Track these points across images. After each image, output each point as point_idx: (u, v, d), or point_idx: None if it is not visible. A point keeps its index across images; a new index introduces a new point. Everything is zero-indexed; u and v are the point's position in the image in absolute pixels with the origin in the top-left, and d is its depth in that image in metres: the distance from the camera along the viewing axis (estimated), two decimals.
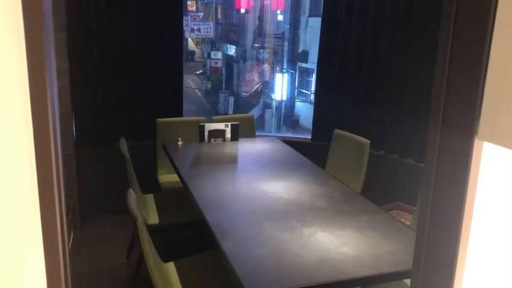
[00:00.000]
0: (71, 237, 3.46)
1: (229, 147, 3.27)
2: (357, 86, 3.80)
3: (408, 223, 3.04)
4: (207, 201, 2.30)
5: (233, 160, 3.04)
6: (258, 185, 2.54)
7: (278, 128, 7.55)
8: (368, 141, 3.09)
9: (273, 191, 2.45)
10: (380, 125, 3.71)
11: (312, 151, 3.61)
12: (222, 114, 8.14)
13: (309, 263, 1.76)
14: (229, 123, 3.40)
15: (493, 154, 0.85)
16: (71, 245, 3.36)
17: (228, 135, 3.39)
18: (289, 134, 4.32)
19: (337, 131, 3.41)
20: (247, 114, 3.98)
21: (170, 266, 2.30)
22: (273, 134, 4.29)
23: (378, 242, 1.95)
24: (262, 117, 7.71)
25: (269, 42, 7.84)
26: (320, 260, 1.78)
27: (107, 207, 3.81)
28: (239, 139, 3.43)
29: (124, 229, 3.24)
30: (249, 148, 3.31)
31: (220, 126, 3.38)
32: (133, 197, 2.10)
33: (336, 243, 1.91)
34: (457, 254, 0.89)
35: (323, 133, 3.95)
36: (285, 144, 3.44)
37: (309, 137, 4.13)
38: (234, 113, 7.86)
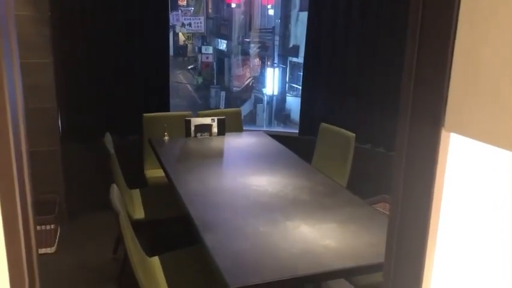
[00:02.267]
0: (58, 233, 3.45)
1: (215, 142, 3.28)
2: (343, 80, 3.82)
3: None
4: (191, 196, 2.30)
5: (219, 155, 3.05)
6: (243, 179, 2.54)
7: (270, 123, 7.56)
8: (353, 134, 3.10)
9: (258, 185, 2.46)
10: (366, 118, 3.73)
11: (299, 145, 3.62)
12: (213, 109, 8.13)
13: (291, 256, 1.77)
14: (215, 118, 3.40)
15: (460, 145, 0.87)
16: (58, 241, 3.35)
17: (215, 129, 3.40)
18: (279, 129, 4.32)
19: (323, 124, 3.42)
20: (234, 109, 3.98)
21: (155, 261, 2.30)
22: (264, 129, 4.30)
23: (360, 234, 1.96)
24: (253, 112, 7.71)
25: (260, 37, 7.83)
26: (302, 252, 1.80)
27: (94, 202, 3.79)
28: (226, 134, 3.43)
29: (112, 224, 3.21)
30: (236, 143, 3.32)
31: (207, 120, 3.38)
32: (115, 191, 2.09)
33: (318, 236, 1.93)
34: (426, 243, 0.91)
35: (310, 127, 3.97)
36: (271, 139, 3.45)
37: (297, 131, 4.15)
38: (225, 107, 7.83)
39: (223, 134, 3.42)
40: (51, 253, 3.20)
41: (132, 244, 2.03)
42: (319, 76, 3.90)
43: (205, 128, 3.37)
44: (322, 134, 3.41)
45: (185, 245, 2.47)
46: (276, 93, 7.62)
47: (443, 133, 0.85)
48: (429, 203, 0.88)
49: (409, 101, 0.90)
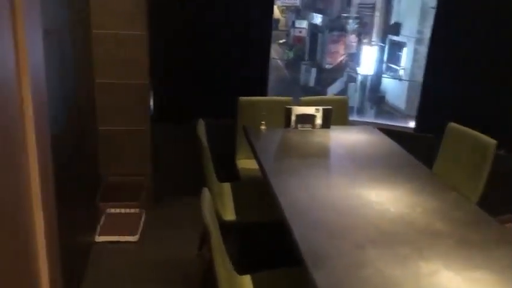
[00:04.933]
0: (142, 219, 3.24)
1: (319, 136, 2.82)
2: (482, 67, 3.12)
3: None
4: (293, 208, 1.89)
5: (324, 153, 2.59)
6: (356, 191, 2.07)
7: (361, 103, 7.09)
8: (495, 141, 2.48)
9: (376, 201, 1.98)
10: (505, 118, 3.04)
11: (416, 144, 3.04)
12: (303, 86, 7.78)
13: None
14: (320, 108, 2.93)
15: None
16: (142, 227, 3.15)
17: (319, 121, 2.93)
18: (389, 121, 3.74)
19: (452, 124, 2.81)
20: (340, 97, 3.48)
21: (246, 281, 1.94)
22: (370, 120, 3.73)
23: None
24: (344, 91, 7.26)
25: (359, 12, 7.30)
26: None
27: (182, 188, 3.56)
28: (331, 127, 2.96)
29: (198, 214, 2.96)
30: (343, 139, 2.83)
31: (310, 110, 2.92)
32: (207, 199, 1.74)
33: None
34: None
35: (430, 124, 3.36)
36: (385, 136, 2.91)
37: (404, 125, 3.54)
38: (315, 85, 7.47)
39: (328, 127, 2.95)
40: (134, 242, 3.00)
41: (221, 260, 1.67)
42: (448, 59, 3.23)
43: (308, 119, 2.92)
44: (449, 135, 2.80)
45: (284, 261, 2.08)
46: (371, 73, 7.12)
47: None
48: None
49: None
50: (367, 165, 2.42)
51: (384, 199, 2.01)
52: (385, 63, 7.37)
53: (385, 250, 1.62)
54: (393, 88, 7.51)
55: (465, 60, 3.16)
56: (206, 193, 1.76)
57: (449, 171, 2.72)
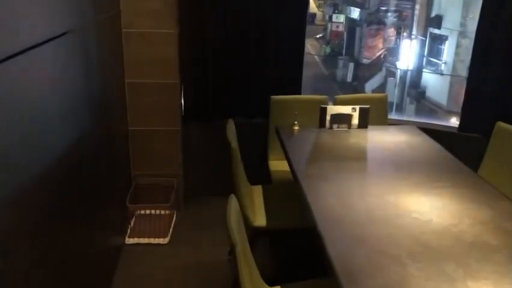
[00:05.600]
0: (173, 220, 3.19)
1: (356, 138, 2.66)
2: None
3: None
4: (326, 218, 1.75)
5: (361, 157, 2.43)
6: (395, 199, 1.92)
7: (400, 99, 6.87)
8: None
9: (417, 211, 1.82)
10: None
11: (460, 145, 2.84)
12: (340, 82, 7.62)
13: None
14: (357, 107, 2.77)
15: None
16: (173, 229, 3.09)
17: (355, 121, 2.77)
18: (431, 120, 3.53)
19: (501, 124, 2.59)
20: (379, 94, 3.29)
21: None
22: (410, 119, 3.53)
23: None
24: (383, 86, 7.07)
25: (398, 5, 7.07)
26: None
27: (212, 189, 3.49)
28: (369, 127, 2.79)
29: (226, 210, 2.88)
30: (382, 140, 2.66)
31: (347, 109, 2.76)
32: (233, 205, 1.63)
33: None
34: None
35: (476, 123, 3.13)
36: (427, 137, 2.72)
37: (445, 122, 3.32)
38: (352, 80, 7.29)
39: (366, 127, 2.79)
40: (164, 244, 2.94)
41: (247, 274, 1.57)
42: (496, 51, 2.98)
43: (344, 119, 2.77)
44: (498, 136, 2.59)
45: (315, 270, 1.96)
46: (411, 67, 6.86)
47: None
48: None
49: None
50: (408, 169, 2.25)
51: (427, 208, 1.84)
52: (426, 57, 7.11)
53: (427, 266, 1.46)
54: (434, 83, 7.26)
55: (504, 53, 2.91)
56: (233, 201, 1.66)
57: (496, 175, 2.51)
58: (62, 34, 1.75)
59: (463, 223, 1.73)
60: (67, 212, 1.78)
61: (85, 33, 2.07)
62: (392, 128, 2.88)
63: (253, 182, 2.71)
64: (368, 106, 2.78)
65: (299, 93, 3.30)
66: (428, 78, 7.32)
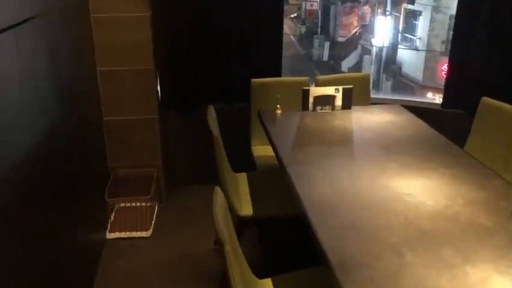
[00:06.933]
0: (155, 212, 3.08)
1: (340, 119, 2.59)
2: None
3: None
4: (316, 204, 1.68)
5: (348, 139, 2.36)
6: (386, 182, 1.86)
7: (377, 76, 6.86)
8: None
9: (410, 193, 1.76)
10: None
11: (444, 122, 2.80)
12: (316, 61, 7.56)
13: None
14: (340, 88, 2.69)
15: None
16: (155, 222, 2.99)
17: (339, 102, 2.70)
18: (412, 97, 3.49)
19: (486, 99, 2.55)
20: (360, 74, 3.23)
21: (267, 285, 1.76)
22: (390, 97, 3.48)
23: None
24: (359, 64, 7.01)
25: None
26: None
27: (195, 178, 3.39)
28: (352, 107, 2.72)
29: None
30: (367, 121, 2.60)
31: (330, 91, 2.68)
32: (219, 201, 1.54)
33: None
34: None
35: (459, 99, 3.10)
36: (412, 116, 2.67)
37: (422, 97, 3.29)
38: (329, 59, 7.24)
39: (349, 108, 2.72)
40: (146, 237, 2.85)
41: (237, 270, 1.49)
42: (479, 28, 2.93)
43: (327, 100, 2.69)
44: (484, 112, 2.55)
45: (306, 258, 1.90)
46: (386, 44, 6.83)
47: None
48: None
49: None
50: (396, 150, 2.20)
51: (418, 190, 1.79)
52: (401, 33, 7.08)
53: (424, 254, 1.41)
54: (410, 59, 7.25)
55: (497, 26, 2.87)
56: (218, 194, 1.57)
57: (483, 151, 2.48)
58: (24, 21, 1.61)
59: (456, 204, 1.69)
60: (40, 209, 1.67)
61: (49, 19, 1.92)
62: (375, 108, 2.82)
63: (237, 169, 2.62)
64: (351, 86, 2.71)
65: (280, 75, 3.21)
66: (404, 54, 7.31)
